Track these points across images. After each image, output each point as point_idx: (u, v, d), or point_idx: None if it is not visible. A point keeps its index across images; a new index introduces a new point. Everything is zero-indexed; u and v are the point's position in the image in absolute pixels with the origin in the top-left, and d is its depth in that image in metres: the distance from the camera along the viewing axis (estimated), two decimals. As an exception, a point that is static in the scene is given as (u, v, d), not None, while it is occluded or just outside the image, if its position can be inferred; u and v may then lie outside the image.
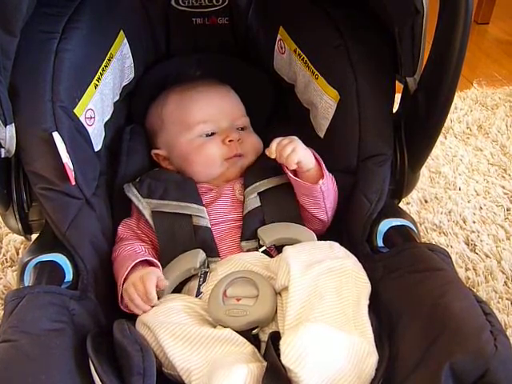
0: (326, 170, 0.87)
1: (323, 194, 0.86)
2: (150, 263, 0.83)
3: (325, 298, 0.70)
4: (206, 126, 0.95)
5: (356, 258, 0.78)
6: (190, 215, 0.87)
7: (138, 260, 0.81)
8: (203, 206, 0.89)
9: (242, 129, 0.98)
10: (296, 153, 0.84)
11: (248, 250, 0.85)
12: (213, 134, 0.95)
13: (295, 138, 0.87)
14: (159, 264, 0.82)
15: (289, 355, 0.62)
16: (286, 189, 0.90)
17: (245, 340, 0.70)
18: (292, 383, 0.63)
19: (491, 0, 2.27)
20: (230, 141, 0.93)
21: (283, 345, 0.63)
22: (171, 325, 0.71)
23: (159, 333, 0.70)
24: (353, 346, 0.65)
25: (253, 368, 0.64)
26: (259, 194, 0.90)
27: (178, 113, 0.97)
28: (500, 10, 2.33)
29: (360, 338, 0.67)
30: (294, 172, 0.87)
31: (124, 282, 0.79)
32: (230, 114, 0.97)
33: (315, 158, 0.87)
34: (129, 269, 0.80)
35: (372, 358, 0.66)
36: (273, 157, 0.86)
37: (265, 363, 0.66)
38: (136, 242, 0.87)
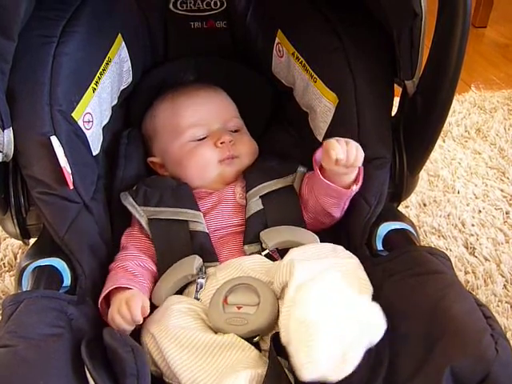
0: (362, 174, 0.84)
1: (349, 198, 0.85)
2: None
3: (326, 278, 0.68)
4: (196, 130, 0.95)
5: (358, 260, 0.78)
6: (187, 221, 0.87)
7: (116, 286, 0.79)
8: (199, 211, 0.88)
9: (236, 131, 0.98)
10: (361, 150, 0.80)
11: (251, 254, 0.85)
12: (204, 137, 0.95)
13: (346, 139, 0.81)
14: (139, 289, 0.79)
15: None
16: (287, 191, 0.90)
17: (250, 345, 0.70)
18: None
19: (489, 3, 2.27)
20: (221, 143, 0.93)
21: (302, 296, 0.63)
22: (176, 330, 0.70)
23: (164, 341, 0.69)
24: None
25: (259, 372, 0.64)
26: (261, 196, 0.90)
27: (169, 120, 0.97)
28: (497, 13, 2.34)
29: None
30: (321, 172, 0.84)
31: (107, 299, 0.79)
32: (221, 116, 0.97)
33: None
34: (106, 291, 0.78)
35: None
36: (341, 157, 0.78)
37: None
38: (133, 253, 0.85)
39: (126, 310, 0.73)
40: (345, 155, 0.78)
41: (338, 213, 0.88)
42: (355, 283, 0.72)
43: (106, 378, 0.64)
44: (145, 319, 0.75)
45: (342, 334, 0.61)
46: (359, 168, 0.83)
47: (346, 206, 0.87)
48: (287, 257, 0.76)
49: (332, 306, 0.62)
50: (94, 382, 0.63)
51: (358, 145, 0.81)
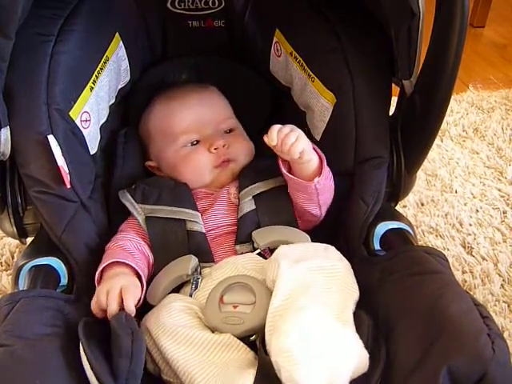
0: (327, 167, 0.85)
1: (317, 191, 0.85)
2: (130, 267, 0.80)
3: (311, 289, 0.70)
4: (188, 135, 0.94)
5: (349, 263, 0.78)
6: (184, 220, 0.87)
7: (114, 260, 0.79)
8: (197, 211, 0.88)
9: (230, 130, 0.98)
10: (300, 141, 0.81)
11: (242, 254, 0.85)
12: (198, 141, 0.94)
13: (294, 126, 0.84)
14: (137, 269, 0.80)
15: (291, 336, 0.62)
16: (281, 191, 0.90)
17: (245, 346, 0.70)
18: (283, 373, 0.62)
19: (487, 3, 2.27)
20: (215, 148, 0.92)
21: (285, 325, 0.63)
22: (173, 327, 0.70)
23: (161, 338, 0.70)
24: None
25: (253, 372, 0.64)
26: (254, 196, 0.89)
27: (161, 125, 0.97)
28: (495, 13, 2.34)
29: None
30: (289, 168, 0.86)
31: (100, 279, 0.79)
32: (213, 118, 0.96)
33: (317, 153, 0.86)
34: (104, 265, 0.79)
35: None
36: (273, 144, 0.81)
37: None
38: (130, 235, 0.86)
39: (114, 296, 0.72)
40: (278, 141, 0.80)
41: (315, 210, 0.88)
42: (339, 286, 0.72)
43: (101, 358, 0.64)
44: (141, 316, 0.76)
45: (324, 365, 0.61)
46: (320, 158, 0.85)
47: (322, 202, 0.87)
48: (276, 253, 0.77)
49: (313, 338, 0.62)
50: (87, 359, 0.64)
51: (300, 134, 0.82)
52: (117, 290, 0.73)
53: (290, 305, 0.68)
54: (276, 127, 0.82)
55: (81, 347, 0.65)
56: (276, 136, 0.81)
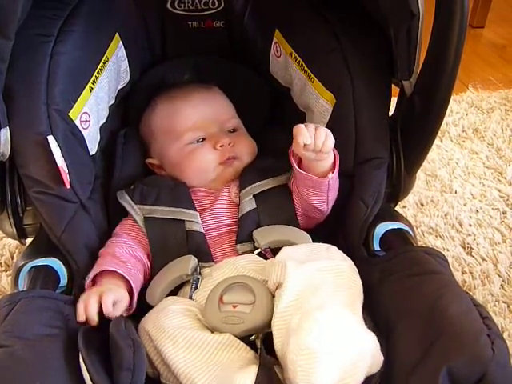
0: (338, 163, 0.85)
1: (329, 187, 0.85)
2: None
3: (320, 289, 0.69)
4: (194, 133, 0.94)
5: (352, 262, 0.78)
6: (183, 220, 0.87)
7: (104, 269, 0.79)
8: (196, 211, 0.88)
9: (234, 130, 0.98)
10: (331, 136, 0.80)
11: (243, 253, 0.85)
12: (203, 139, 0.94)
13: (317, 124, 0.82)
14: (126, 276, 0.79)
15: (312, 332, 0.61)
16: (281, 190, 0.90)
17: (245, 345, 0.70)
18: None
19: (486, 4, 2.27)
20: (221, 146, 0.93)
21: (305, 323, 0.62)
22: (173, 329, 0.70)
23: (160, 340, 0.69)
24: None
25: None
26: (255, 196, 0.89)
27: (166, 123, 0.97)
28: (495, 13, 2.34)
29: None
30: (299, 164, 0.85)
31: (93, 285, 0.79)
32: (218, 117, 0.96)
33: None
34: (93, 275, 0.78)
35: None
36: (308, 142, 0.78)
37: None
38: (122, 240, 0.85)
39: (94, 301, 0.72)
40: (312, 140, 0.78)
41: (323, 205, 0.88)
42: (346, 285, 0.72)
43: (100, 366, 0.64)
44: (138, 318, 0.76)
45: (341, 363, 0.61)
46: (334, 156, 0.83)
47: (330, 198, 0.87)
48: (280, 255, 0.77)
49: (334, 336, 0.62)
50: (86, 368, 0.64)
51: (328, 131, 0.81)
52: (96, 296, 0.73)
53: (301, 305, 0.67)
54: (301, 126, 0.80)
55: (80, 358, 0.65)
56: (308, 134, 0.78)
